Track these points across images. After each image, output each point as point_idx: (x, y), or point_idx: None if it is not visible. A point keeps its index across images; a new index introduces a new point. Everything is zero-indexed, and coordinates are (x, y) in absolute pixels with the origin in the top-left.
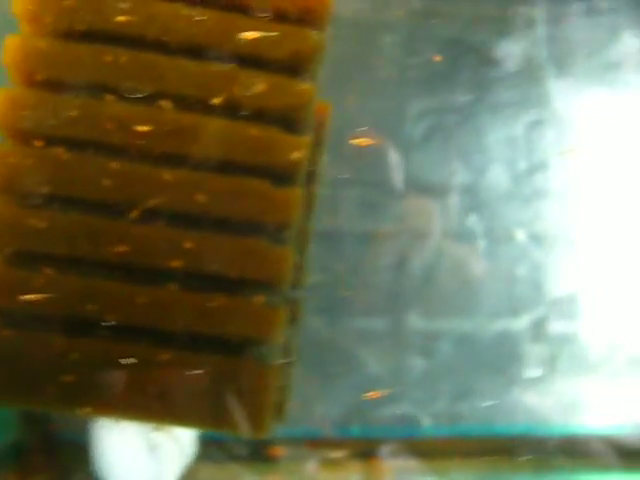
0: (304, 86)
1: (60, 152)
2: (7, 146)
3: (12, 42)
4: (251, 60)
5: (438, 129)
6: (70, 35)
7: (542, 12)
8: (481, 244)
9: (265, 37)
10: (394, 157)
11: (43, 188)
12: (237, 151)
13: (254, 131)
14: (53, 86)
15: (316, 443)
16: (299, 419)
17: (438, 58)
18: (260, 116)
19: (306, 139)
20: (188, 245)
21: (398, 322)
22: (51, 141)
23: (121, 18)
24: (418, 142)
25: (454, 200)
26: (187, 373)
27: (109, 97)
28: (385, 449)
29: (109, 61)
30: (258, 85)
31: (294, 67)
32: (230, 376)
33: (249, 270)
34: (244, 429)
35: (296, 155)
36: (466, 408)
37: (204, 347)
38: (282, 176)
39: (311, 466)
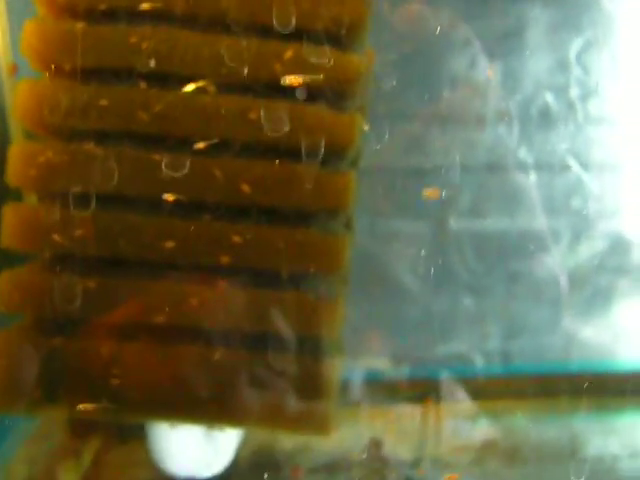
0: (354, 58)
1: (91, 147)
2: (35, 144)
3: (30, 27)
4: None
5: (482, 55)
6: (91, 16)
7: None
8: (533, 175)
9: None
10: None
11: (77, 186)
12: (287, 133)
13: (303, 110)
14: (77, 74)
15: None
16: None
17: None
18: (307, 94)
19: (358, 116)
20: (236, 239)
21: (445, 261)
22: (80, 135)
23: None
24: (462, 71)
25: (501, 130)
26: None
27: (141, 84)
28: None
29: (135, 42)
30: (304, 60)
31: (341, 38)
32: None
33: (302, 264)
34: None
35: (350, 133)
36: (519, 345)
37: (258, 345)
38: (334, 158)
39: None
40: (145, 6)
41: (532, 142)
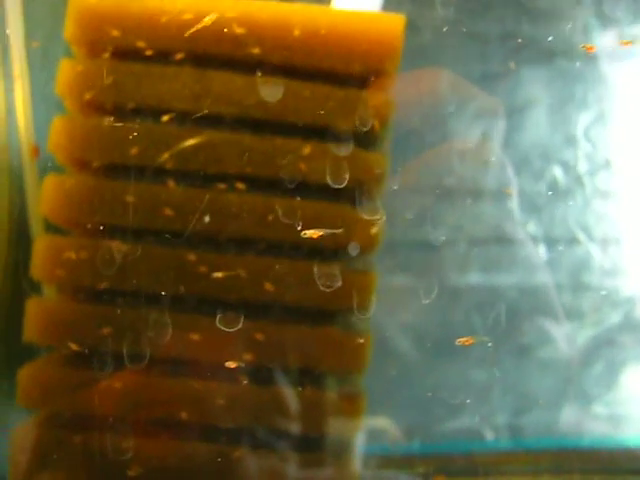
0: (374, 157)
1: (116, 243)
2: (60, 239)
3: (58, 124)
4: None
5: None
6: (119, 112)
7: None
8: (542, 249)
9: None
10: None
11: (102, 284)
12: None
13: (326, 209)
14: (106, 171)
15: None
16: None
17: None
18: (329, 191)
19: (381, 216)
20: (259, 337)
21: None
22: (106, 231)
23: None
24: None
25: (512, 204)
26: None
27: (169, 181)
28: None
29: (162, 140)
30: (326, 159)
31: (365, 137)
32: None
33: (325, 362)
34: None
35: (373, 231)
36: (529, 420)
37: (278, 443)
38: (357, 255)
39: None
40: (173, 105)
41: (541, 215)
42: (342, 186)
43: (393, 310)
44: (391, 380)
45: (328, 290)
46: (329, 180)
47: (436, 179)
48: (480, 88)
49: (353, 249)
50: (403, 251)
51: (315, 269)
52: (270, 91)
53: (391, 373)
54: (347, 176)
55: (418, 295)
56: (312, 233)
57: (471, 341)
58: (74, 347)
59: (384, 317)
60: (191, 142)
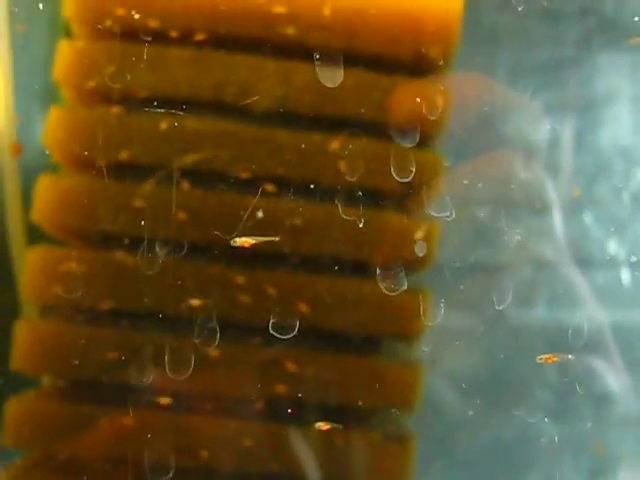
0: (427, 156)
1: (121, 255)
2: (56, 250)
3: (55, 116)
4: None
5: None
6: (128, 103)
7: None
8: (625, 272)
9: None
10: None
11: (104, 303)
12: (352, 244)
13: (370, 216)
14: (109, 170)
15: None
16: None
17: None
18: (373, 196)
19: (435, 225)
20: (291, 368)
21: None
22: (109, 241)
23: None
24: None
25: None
26: None
27: (184, 183)
28: None
29: (179, 136)
30: (370, 158)
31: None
32: None
33: (369, 397)
34: None
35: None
36: None
37: None
38: (404, 271)
39: None
40: (191, 94)
41: (625, 233)
42: (392, 192)
43: (438, 353)
44: (436, 440)
45: (372, 312)
46: (375, 184)
47: (492, 188)
48: (549, 77)
49: (401, 265)
50: (452, 276)
51: (357, 288)
52: (307, 79)
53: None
54: (395, 179)
55: (471, 333)
56: (243, 241)
57: (554, 359)
58: (70, 378)
59: (426, 362)
60: (212, 139)
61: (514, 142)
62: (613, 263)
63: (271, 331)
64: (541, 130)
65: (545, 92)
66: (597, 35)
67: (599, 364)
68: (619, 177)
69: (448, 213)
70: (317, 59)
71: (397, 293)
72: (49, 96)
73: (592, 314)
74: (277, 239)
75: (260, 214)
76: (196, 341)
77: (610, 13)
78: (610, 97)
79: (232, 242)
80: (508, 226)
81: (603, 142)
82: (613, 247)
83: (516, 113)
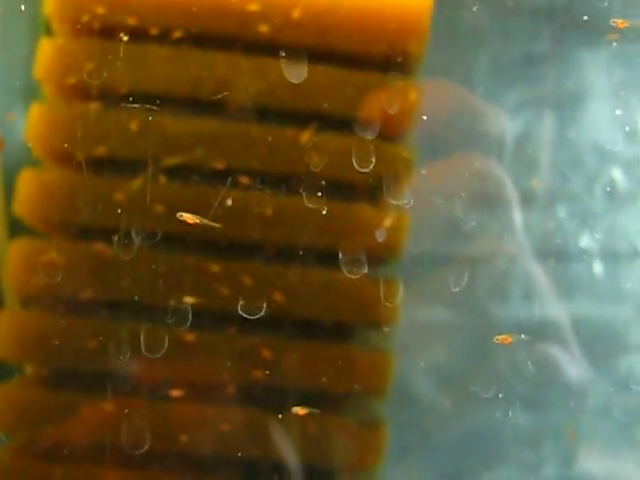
0: (398, 150)
1: (100, 247)
2: (37, 242)
3: (37, 112)
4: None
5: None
6: (107, 98)
7: None
8: (599, 266)
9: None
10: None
11: (84, 292)
12: (325, 235)
13: (343, 208)
14: (89, 164)
15: None
16: None
17: None
18: (346, 189)
19: (406, 216)
20: (266, 354)
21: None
22: (89, 233)
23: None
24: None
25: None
26: None
27: (161, 177)
28: None
29: (157, 130)
30: (342, 152)
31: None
32: None
33: (342, 384)
34: None
35: (396, 235)
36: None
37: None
38: (376, 263)
39: None
40: (169, 90)
41: (597, 226)
42: (362, 184)
43: (415, 346)
44: (418, 428)
45: (345, 300)
46: (348, 176)
47: (467, 183)
48: (524, 73)
49: (374, 256)
50: (429, 269)
51: (329, 278)
52: (280, 75)
53: (414, 421)
54: (367, 171)
55: (446, 327)
56: (188, 217)
57: (510, 340)
58: (53, 366)
59: (404, 355)
60: (189, 134)
61: (481, 143)
62: (587, 255)
63: (240, 312)
64: (506, 130)
65: (521, 87)
66: (573, 31)
67: (558, 353)
68: (593, 172)
69: (409, 202)
70: (283, 56)
71: (363, 280)
72: (30, 93)
73: (550, 305)
74: (219, 226)
75: (230, 203)
76: (173, 329)
77: (586, 8)
78: (586, 93)
79: (178, 215)
80: (477, 220)
81: (578, 138)
82: (586, 240)
83: (482, 117)
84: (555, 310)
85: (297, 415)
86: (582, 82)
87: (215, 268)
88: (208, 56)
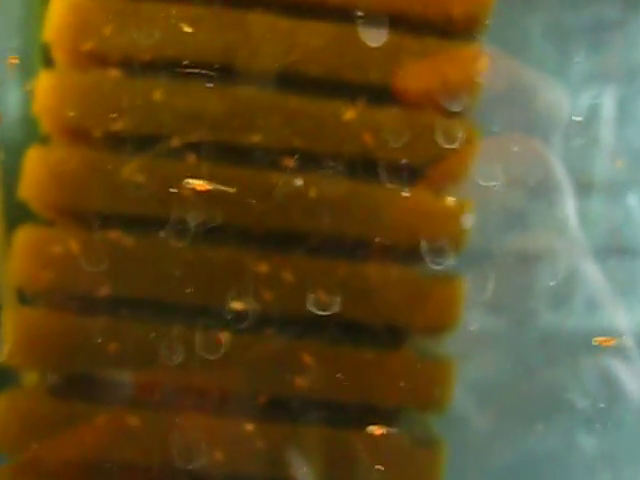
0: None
1: (118, 235)
2: (46, 231)
3: (46, 81)
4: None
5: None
6: (128, 67)
7: None
8: None
9: None
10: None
11: (101, 289)
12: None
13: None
14: (109, 142)
15: None
16: None
17: None
18: (400, 173)
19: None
20: (307, 360)
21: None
22: (105, 220)
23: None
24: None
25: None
26: None
27: (190, 156)
28: None
29: (186, 103)
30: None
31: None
32: None
33: (393, 397)
34: None
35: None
36: None
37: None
38: (436, 256)
39: None
40: (198, 56)
41: None
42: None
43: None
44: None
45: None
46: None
47: (507, 167)
48: (590, 42)
49: (433, 248)
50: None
51: (382, 275)
52: (326, 40)
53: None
54: (425, 153)
55: (497, 338)
56: (197, 184)
57: (611, 342)
58: (64, 372)
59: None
60: (221, 105)
61: (536, 122)
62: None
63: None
64: (565, 110)
65: (587, 58)
66: None
67: (619, 366)
68: None
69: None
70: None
71: (423, 278)
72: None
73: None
74: (233, 190)
75: (275, 194)
76: (204, 331)
77: None
78: None
79: (185, 183)
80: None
81: None
82: None
83: (540, 93)
84: (616, 317)
85: (372, 435)
86: None
87: (249, 260)
88: (243, 17)
